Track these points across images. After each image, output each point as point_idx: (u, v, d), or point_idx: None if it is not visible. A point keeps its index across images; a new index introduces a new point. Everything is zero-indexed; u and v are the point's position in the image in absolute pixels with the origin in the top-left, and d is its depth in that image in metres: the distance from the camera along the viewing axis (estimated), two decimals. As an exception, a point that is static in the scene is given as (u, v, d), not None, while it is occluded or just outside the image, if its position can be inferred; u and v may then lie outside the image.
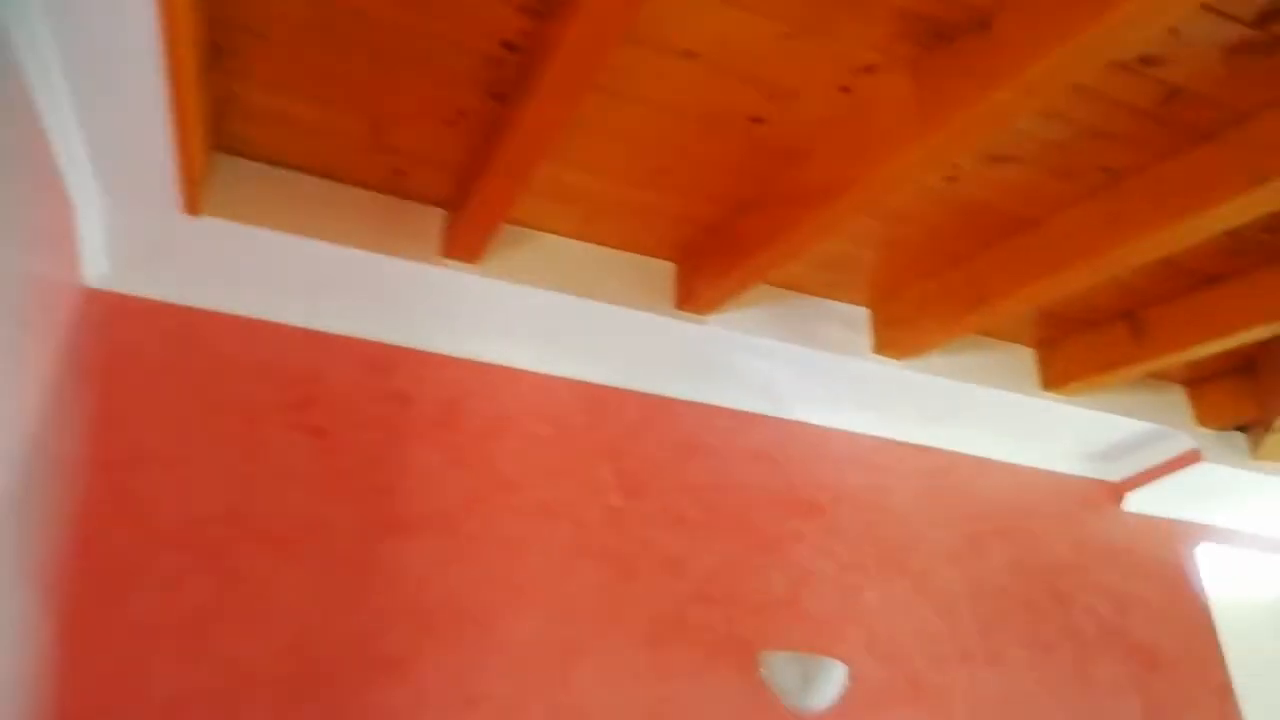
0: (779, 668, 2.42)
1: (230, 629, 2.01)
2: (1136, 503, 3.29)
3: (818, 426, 2.90)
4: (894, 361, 2.68)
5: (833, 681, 2.43)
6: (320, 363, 2.38)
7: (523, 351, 2.55)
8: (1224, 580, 3.53)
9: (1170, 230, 2.14)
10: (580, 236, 2.44)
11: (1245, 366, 3.06)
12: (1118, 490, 3.30)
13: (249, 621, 2.03)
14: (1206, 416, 3.12)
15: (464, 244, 2.24)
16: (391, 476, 2.30)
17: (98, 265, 2.16)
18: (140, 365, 2.19)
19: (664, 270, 2.51)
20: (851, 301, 2.70)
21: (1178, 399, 3.14)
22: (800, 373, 2.70)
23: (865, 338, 2.68)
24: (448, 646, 2.17)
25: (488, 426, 2.47)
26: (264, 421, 2.27)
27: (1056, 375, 2.90)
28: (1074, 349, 2.90)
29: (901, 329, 2.65)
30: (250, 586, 2.07)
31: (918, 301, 2.63)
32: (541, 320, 2.46)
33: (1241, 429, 3.18)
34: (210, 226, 2.12)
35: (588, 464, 2.53)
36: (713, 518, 2.61)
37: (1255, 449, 3.12)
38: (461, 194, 2.22)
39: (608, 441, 2.58)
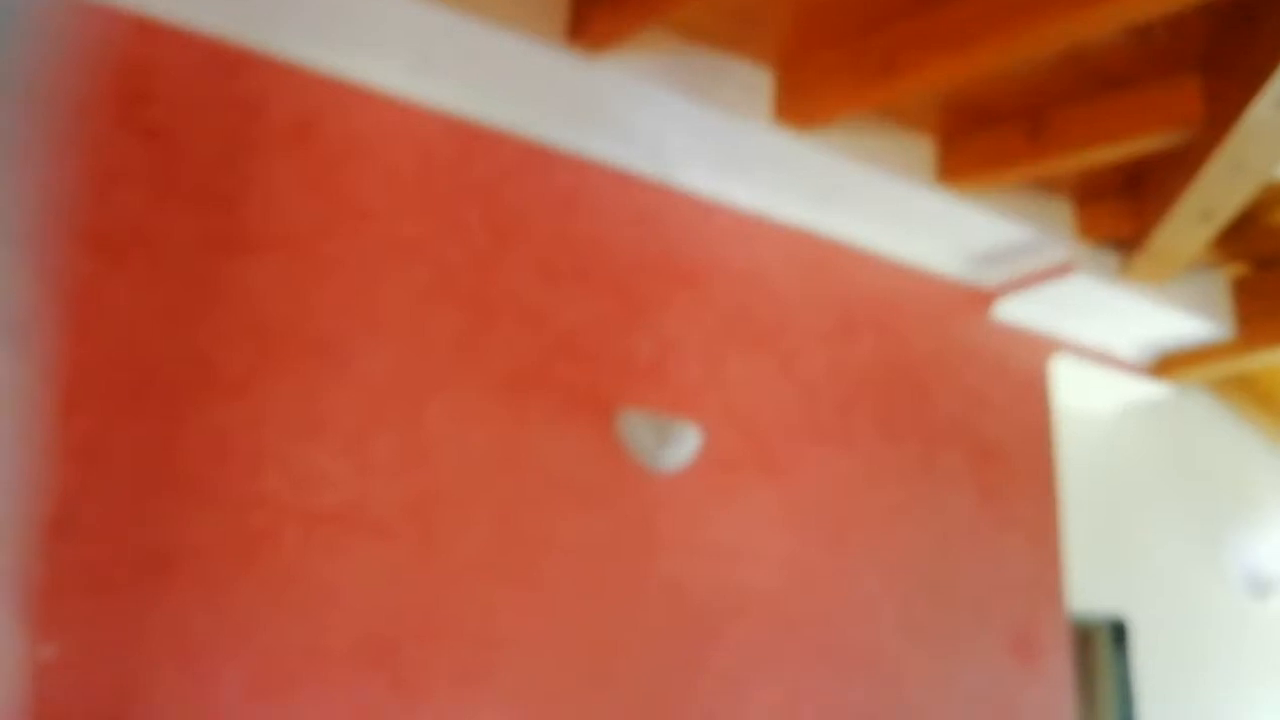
0: (635, 426, 2.60)
1: (49, 329, 2.00)
2: (1005, 311, 3.57)
3: (703, 198, 2.98)
4: (792, 131, 2.75)
5: (686, 444, 2.64)
6: (154, 55, 2.26)
7: (389, 71, 2.48)
8: (1073, 391, 3.94)
9: (1081, 16, 2.24)
10: (466, -56, 2.33)
11: (1132, 183, 3.29)
12: (989, 297, 3.56)
13: (70, 324, 2.02)
14: (1088, 229, 3.36)
15: (329, -71, 2.12)
16: (235, 190, 2.26)
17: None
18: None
19: (557, -3, 2.45)
20: (755, 60, 2.71)
21: (1063, 209, 3.36)
22: (692, 134, 2.74)
23: (765, 102, 2.72)
24: (293, 371, 2.23)
25: (345, 150, 2.42)
26: (89, 115, 2.16)
27: (952, 168, 3.04)
28: (973, 144, 3.04)
29: (804, 95, 2.70)
30: (72, 289, 2.04)
31: (824, 68, 2.67)
32: (413, 36, 2.37)
33: (1119, 247, 3.45)
34: None
35: (454, 204, 2.54)
36: (583, 274, 2.69)
37: (1125, 267, 3.40)
38: None
39: (478, 183, 2.59)
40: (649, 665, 2.54)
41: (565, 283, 2.66)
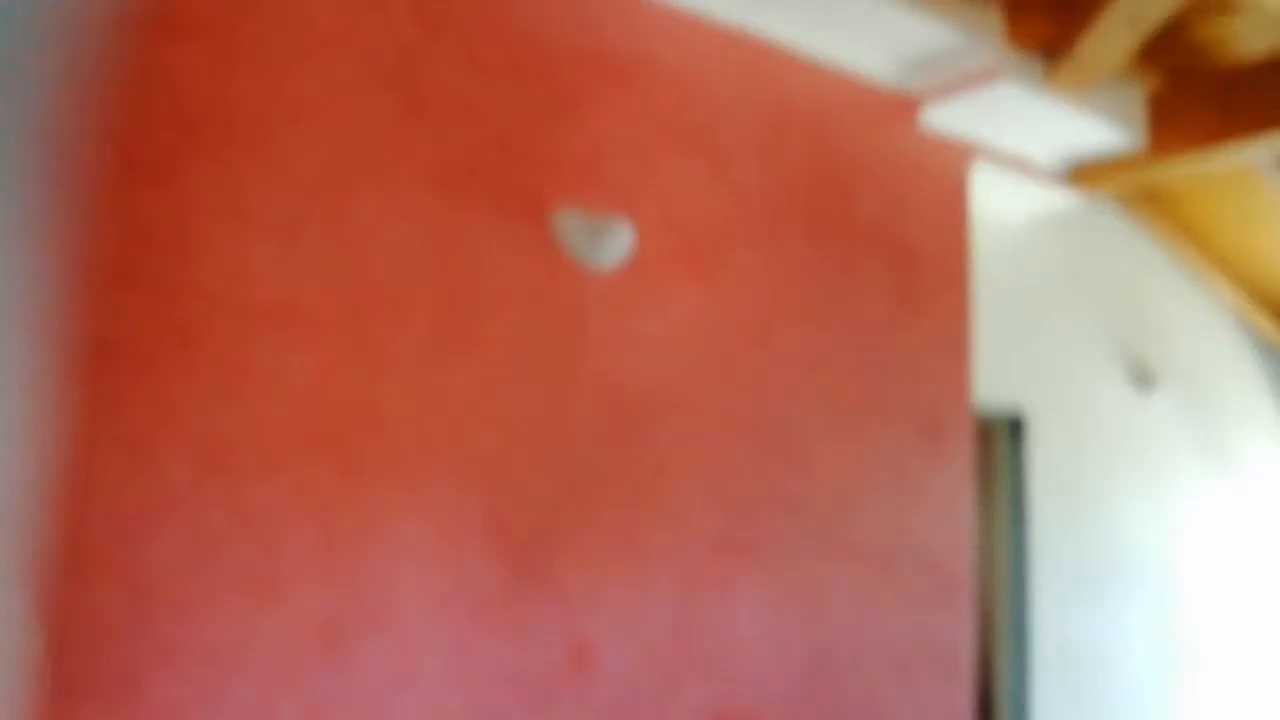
0: (569, 224, 2.64)
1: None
2: (930, 118, 3.62)
3: (636, -9, 2.92)
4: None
5: (619, 243, 2.69)
6: None
7: None
8: (989, 199, 4.08)
9: None
10: None
11: (1064, -12, 3.31)
12: (915, 103, 3.60)
13: (-21, 105, 1.94)
14: (1017, 36, 3.39)
15: None
16: (145, -36, 2.14)
17: None
18: None
19: None
20: None
21: (992, 15, 3.37)
22: (626, -80, 2.65)
23: (701, -112, 2.63)
24: (219, 160, 2.18)
25: (262, -75, 2.30)
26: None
27: (887, -34, 3.01)
28: (909, -59, 3.01)
29: (741, -118, 2.62)
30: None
31: None
32: None
33: (1045, 54, 3.50)
34: None
35: (380, -12, 2.45)
36: (516, 68, 2.64)
37: (1049, 74, 3.47)
38: None
39: (404, -34, 2.49)
40: (585, 452, 2.68)
41: (497, 76, 2.61)
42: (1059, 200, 4.22)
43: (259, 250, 2.23)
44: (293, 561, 2.21)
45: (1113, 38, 3.18)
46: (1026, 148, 3.93)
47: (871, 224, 3.45)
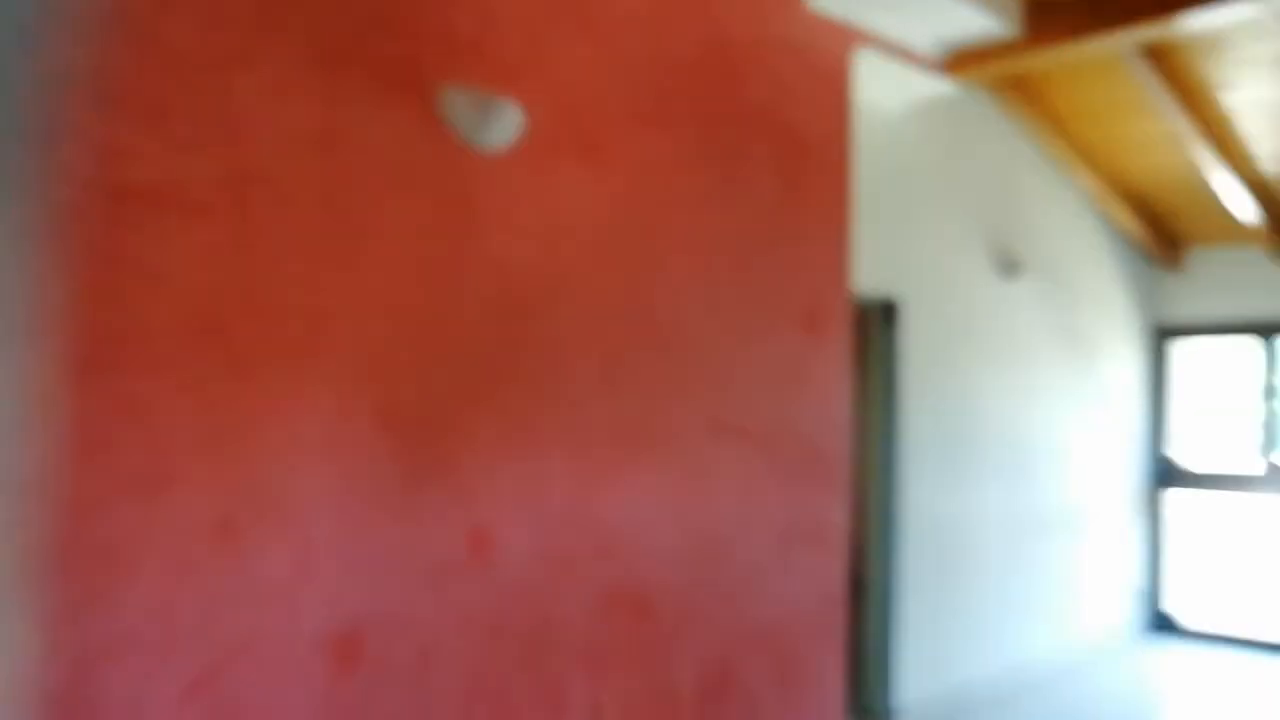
0: (457, 103, 2.61)
1: None
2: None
3: None
4: None
5: (508, 123, 2.69)
6: None
7: None
8: (869, 86, 4.21)
9: None
10: None
11: None
12: (803, -15, 3.67)
13: None
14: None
15: None
16: None
17: None
18: None
19: None
20: None
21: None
22: None
23: None
24: (84, 38, 2.07)
25: None
26: None
27: None
28: None
29: None
30: None
31: None
32: None
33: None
34: None
35: None
36: (396, -64, 2.57)
37: (932, -41, 3.57)
38: None
39: None
40: (473, 340, 2.72)
41: (376, -56, 2.53)
42: (935, 89, 4.38)
43: (129, 133, 2.13)
44: (183, 457, 2.20)
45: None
46: (907, 34, 4.04)
47: (758, 108, 3.52)
